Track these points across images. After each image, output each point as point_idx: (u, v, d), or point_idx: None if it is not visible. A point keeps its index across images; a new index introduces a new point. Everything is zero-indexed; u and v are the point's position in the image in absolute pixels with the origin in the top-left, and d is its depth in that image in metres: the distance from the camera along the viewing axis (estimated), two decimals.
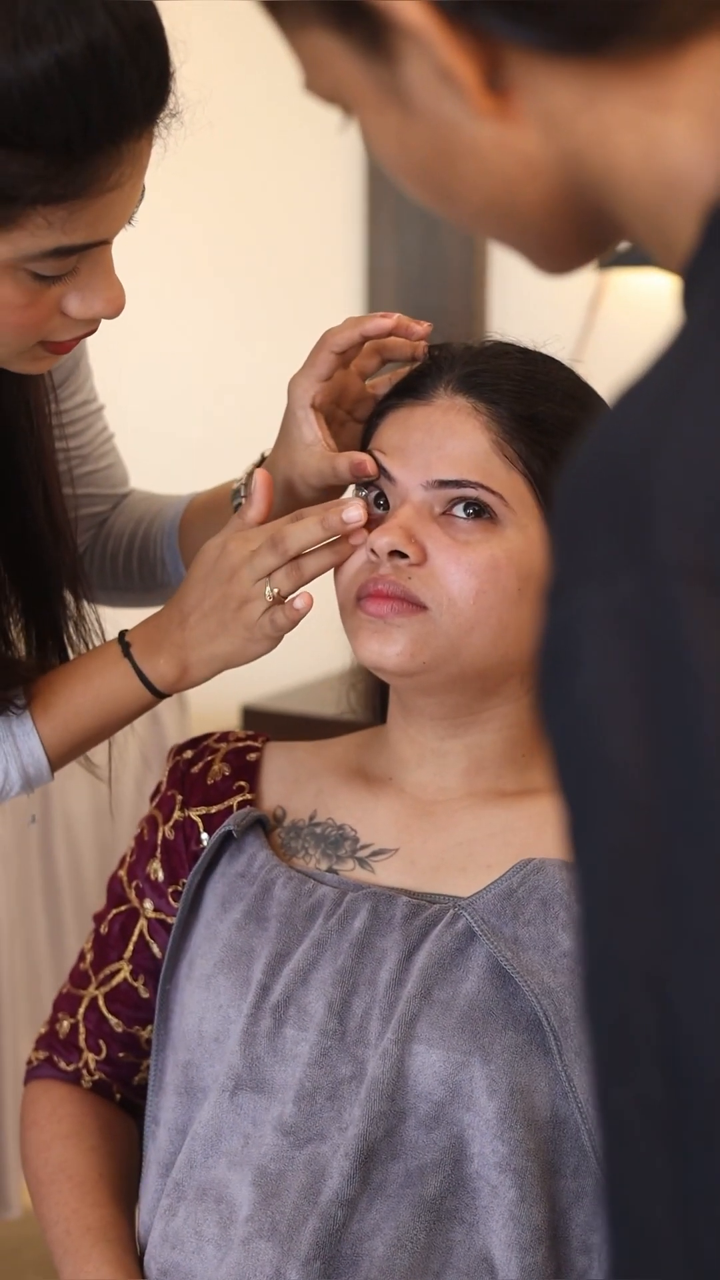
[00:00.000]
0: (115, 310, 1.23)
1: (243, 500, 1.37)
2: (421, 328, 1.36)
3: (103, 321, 1.27)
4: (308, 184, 3.12)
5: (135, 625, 1.39)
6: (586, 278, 2.85)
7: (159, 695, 1.38)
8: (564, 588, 0.60)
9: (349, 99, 0.73)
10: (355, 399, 1.40)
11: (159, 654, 1.36)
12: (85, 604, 1.47)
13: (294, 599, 1.30)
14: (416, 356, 1.36)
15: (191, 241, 3.09)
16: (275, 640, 1.33)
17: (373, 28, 0.67)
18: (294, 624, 1.32)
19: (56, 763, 1.38)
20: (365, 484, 1.33)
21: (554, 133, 0.68)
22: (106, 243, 1.20)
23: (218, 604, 1.32)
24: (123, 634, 1.39)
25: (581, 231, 0.72)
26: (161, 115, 1.17)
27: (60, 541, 1.43)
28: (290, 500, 1.37)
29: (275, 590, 1.30)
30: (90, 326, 1.26)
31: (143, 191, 1.20)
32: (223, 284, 3.20)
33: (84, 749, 1.41)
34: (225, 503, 1.48)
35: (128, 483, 1.64)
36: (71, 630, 1.46)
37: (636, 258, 2.78)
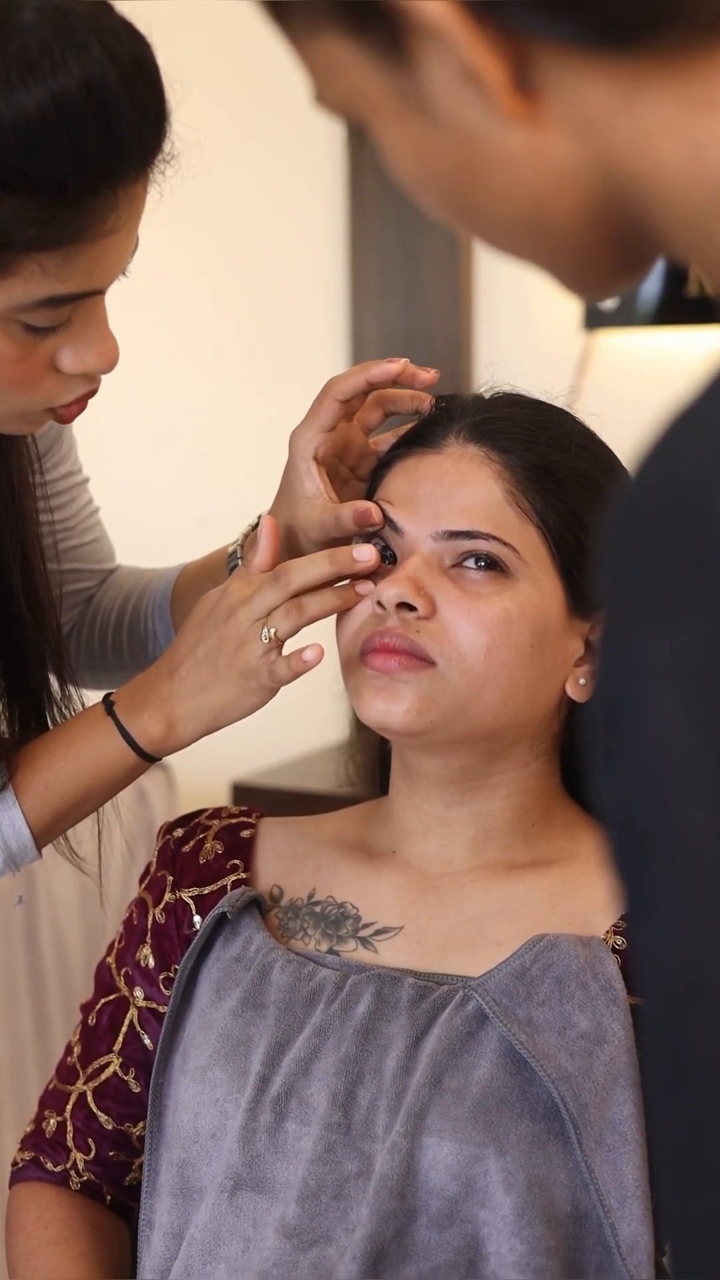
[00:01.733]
0: (109, 364, 1.20)
1: (240, 561, 1.32)
2: (429, 374, 1.32)
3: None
4: (289, 251, 3.10)
5: (121, 687, 1.34)
6: (573, 340, 2.83)
7: (146, 758, 1.32)
8: (622, 634, 0.54)
9: (363, 110, 0.68)
10: (358, 455, 1.36)
11: (144, 710, 1.30)
12: (69, 685, 1.41)
13: (303, 650, 1.24)
14: (420, 410, 1.33)
15: (169, 312, 3.06)
16: (271, 692, 1.27)
17: (390, 29, 0.63)
18: (297, 675, 1.26)
19: (40, 836, 1.32)
20: (370, 536, 1.27)
21: (588, 138, 0.63)
22: (100, 292, 1.17)
23: (213, 648, 1.26)
24: (108, 695, 1.33)
25: (618, 247, 0.67)
26: (158, 158, 1.14)
27: (41, 620, 1.38)
28: (290, 555, 1.32)
29: (273, 632, 1.24)
30: (90, 385, 1.22)
31: (136, 241, 1.17)
32: (202, 355, 3.17)
33: (69, 821, 1.35)
34: (220, 569, 1.43)
35: (114, 558, 1.59)
36: (56, 712, 1.40)
37: (624, 318, 2.75)
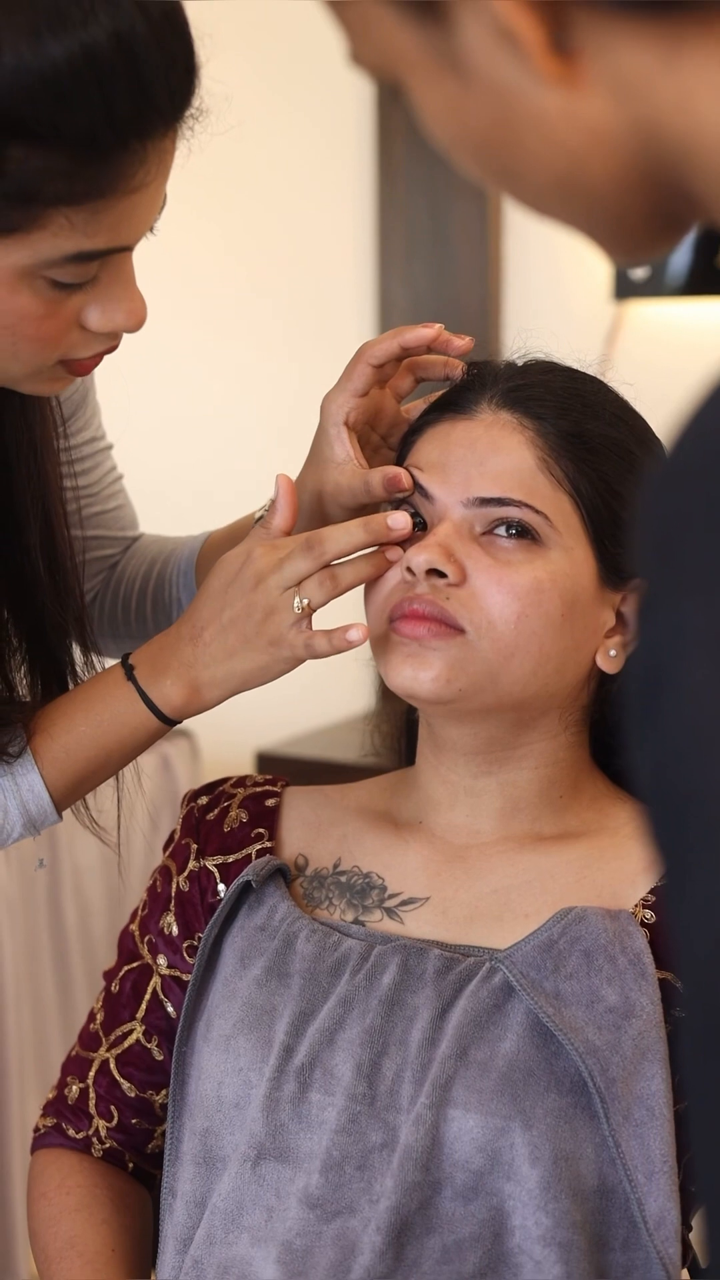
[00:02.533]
0: (137, 323, 1.18)
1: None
2: (463, 341, 1.30)
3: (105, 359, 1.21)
4: (316, 215, 3.08)
5: (138, 649, 1.32)
6: (603, 309, 2.80)
7: (167, 722, 1.30)
8: (659, 603, 0.53)
9: (399, 70, 0.67)
10: (390, 423, 1.35)
11: (165, 675, 1.28)
12: (92, 652, 1.40)
13: (348, 630, 1.22)
14: (452, 376, 1.31)
15: (193, 276, 3.05)
16: (299, 662, 1.26)
17: None
18: (338, 652, 1.24)
19: (60, 799, 1.31)
20: (399, 503, 1.26)
21: (627, 100, 0.62)
22: (128, 249, 1.16)
23: (240, 615, 1.25)
24: (126, 656, 1.31)
25: (656, 211, 0.66)
26: (187, 112, 1.12)
27: (63, 585, 1.36)
28: (318, 522, 1.31)
29: (306, 602, 1.23)
30: (110, 341, 1.20)
31: (164, 199, 1.16)
32: (226, 319, 3.15)
33: (89, 784, 1.33)
34: (244, 536, 1.40)
35: (137, 526, 1.58)
36: (77, 678, 1.39)
37: (654, 288, 2.73)
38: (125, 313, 1.17)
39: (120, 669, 1.31)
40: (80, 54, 1.04)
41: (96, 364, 1.22)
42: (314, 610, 1.23)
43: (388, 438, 1.35)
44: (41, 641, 1.37)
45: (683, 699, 0.51)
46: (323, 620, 1.25)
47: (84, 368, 1.21)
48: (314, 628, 1.24)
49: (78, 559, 1.39)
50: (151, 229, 1.16)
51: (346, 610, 1.28)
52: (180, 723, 1.31)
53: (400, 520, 1.22)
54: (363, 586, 1.25)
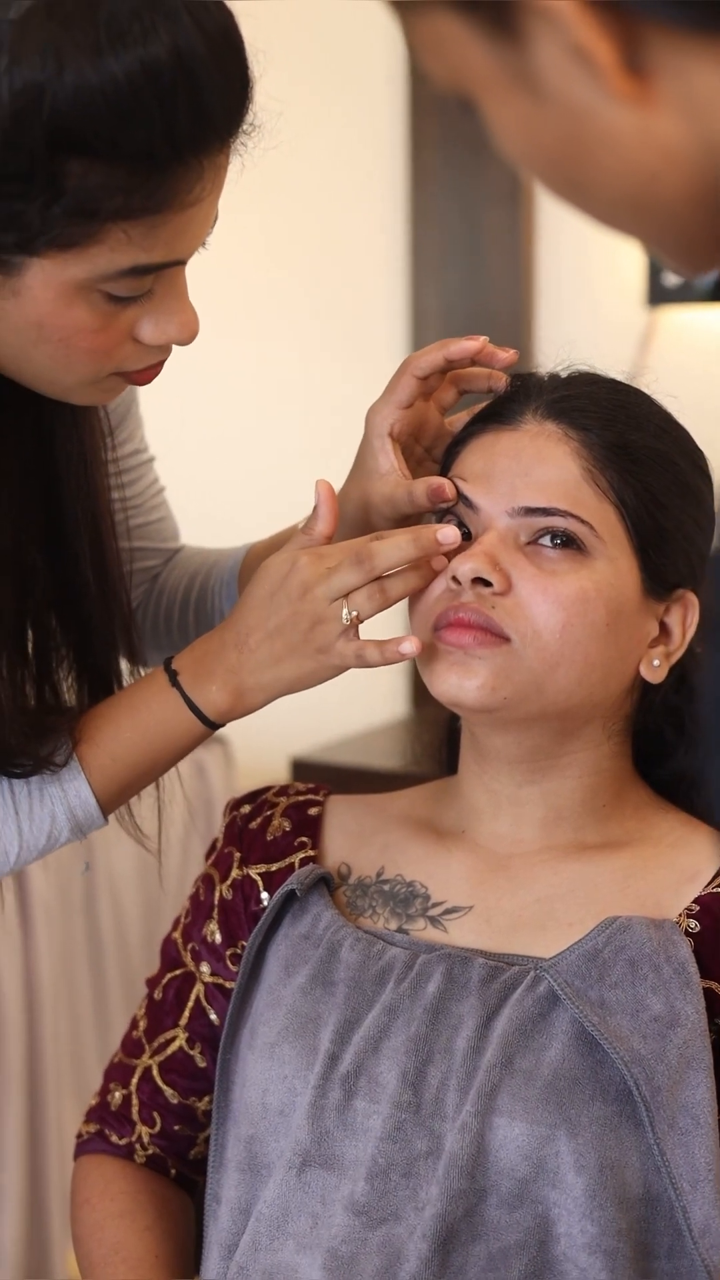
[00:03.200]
0: (189, 335, 1.19)
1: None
2: (508, 354, 1.31)
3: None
4: (350, 224, 3.09)
5: (180, 653, 1.32)
6: (636, 316, 2.80)
7: (211, 725, 1.31)
8: None
9: (471, 86, 0.68)
10: (433, 435, 1.35)
11: (210, 680, 1.29)
12: (138, 662, 1.41)
13: (400, 642, 1.23)
14: (495, 388, 1.31)
15: (228, 285, 3.05)
16: (346, 669, 1.26)
17: (501, 6, 0.63)
18: (389, 664, 1.24)
19: (106, 803, 1.31)
20: (443, 513, 1.26)
21: (699, 119, 0.63)
22: (182, 263, 1.17)
23: (285, 623, 1.25)
24: (169, 661, 1.32)
25: None
26: (242, 128, 1.14)
27: (110, 594, 1.37)
28: (361, 533, 1.31)
29: (354, 614, 1.23)
30: (162, 354, 1.21)
31: (216, 213, 1.17)
32: (261, 330, 3.16)
33: (135, 788, 1.34)
34: None
35: (179, 538, 1.59)
36: (121, 687, 1.39)
37: (687, 294, 2.73)
38: (178, 325, 1.18)
39: (163, 674, 1.31)
40: (140, 71, 1.04)
41: (156, 373, 1.23)
42: (362, 621, 1.24)
43: (431, 450, 1.35)
44: (89, 651, 1.37)
45: None
46: (365, 627, 1.25)
47: (144, 377, 1.22)
48: (361, 636, 1.25)
49: (125, 569, 1.40)
50: (204, 243, 1.17)
51: (388, 617, 1.28)
52: (223, 726, 1.32)
53: (450, 534, 1.22)
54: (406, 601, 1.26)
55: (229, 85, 1.10)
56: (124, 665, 1.41)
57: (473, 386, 1.34)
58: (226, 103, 1.10)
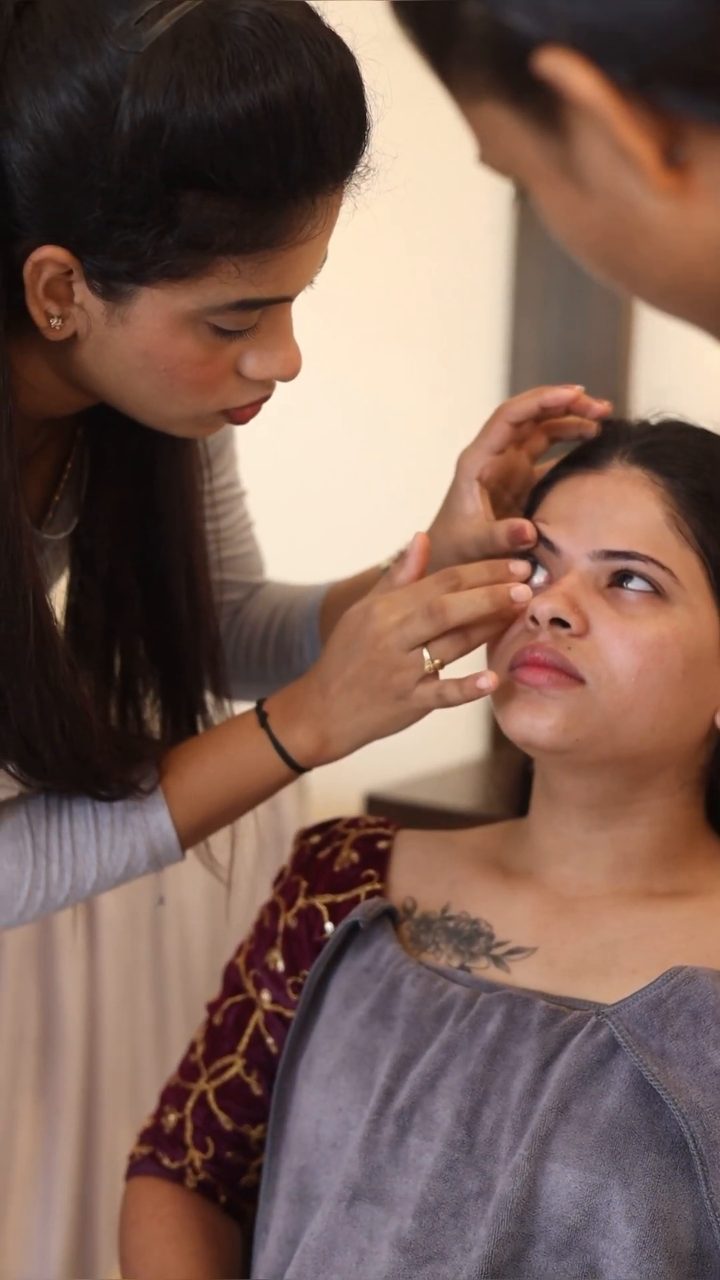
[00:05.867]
0: (292, 372, 1.20)
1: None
2: (601, 406, 1.31)
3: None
4: (452, 264, 3.09)
5: (272, 695, 1.33)
6: None
7: (297, 769, 1.31)
8: None
9: (523, 173, 0.71)
10: (522, 484, 1.35)
11: (297, 725, 1.29)
12: (223, 695, 1.41)
13: (477, 678, 1.22)
14: (584, 437, 1.31)
15: (330, 321, 3.06)
16: (429, 711, 1.26)
17: (547, 102, 0.65)
18: (468, 701, 1.24)
19: (186, 837, 1.32)
20: (523, 554, 1.26)
21: None
22: (290, 299, 1.18)
23: (362, 673, 1.25)
24: (260, 703, 1.32)
25: None
26: (356, 169, 1.15)
27: (202, 626, 1.38)
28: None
29: (436, 660, 1.23)
30: (265, 390, 1.22)
31: (326, 253, 1.18)
32: (360, 365, 3.17)
33: (215, 826, 1.35)
34: (369, 587, 1.41)
35: (264, 572, 1.59)
36: (206, 719, 1.41)
37: None
38: (281, 362, 1.19)
39: (253, 715, 1.32)
40: (260, 107, 1.06)
41: (256, 412, 1.23)
42: (443, 666, 1.24)
43: (519, 498, 1.35)
44: (175, 680, 1.38)
45: None
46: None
47: (244, 416, 1.23)
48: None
49: (216, 600, 1.41)
50: (312, 281, 1.18)
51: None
52: (309, 770, 1.32)
53: (523, 593, 1.21)
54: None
55: (347, 126, 1.11)
56: (208, 698, 1.41)
57: (564, 435, 1.34)
58: (343, 144, 1.12)
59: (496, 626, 1.24)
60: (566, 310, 2.94)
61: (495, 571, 1.23)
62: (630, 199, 0.66)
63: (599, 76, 0.62)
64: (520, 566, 1.23)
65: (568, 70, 0.63)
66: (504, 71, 0.66)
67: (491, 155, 0.72)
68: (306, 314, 1.21)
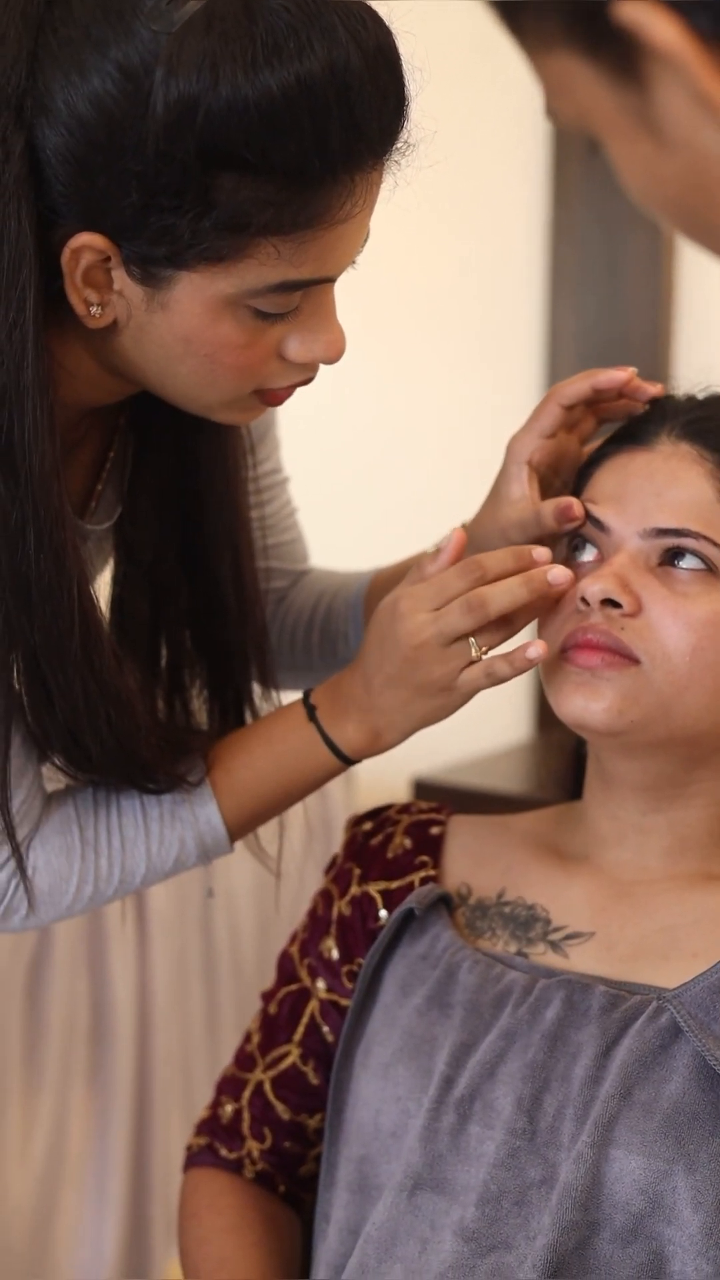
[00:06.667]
0: (335, 354, 1.19)
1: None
2: (654, 388, 1.29)
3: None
4: (487, 245, 3.07)
5: (317, 688, 1.32)
6: None
7: (347, 761, 1.30)
8: None
9: (596, 126, 0.69)
10: (571, 468, 1.33)
11: (347, 718, 1.28)
12: (270, 684, 1.40)
13: (526, 648, 1.20)
14: (631, 412, 1.30)
15: (365, 303, 3.05)
16: (478, 692, 1.24)
17: (625, 52, 0.64)
18: (519, 674, 1.22)
19: (235, 830, 1.31)
20: (572, 534, 1.25)
21: None
22: (331, 280, 1.16)
23: (402, 670, 1.23)
24: (307, 694, 1.31)
25: None
26: (395, 146, 1.13)
27: (248, 614, 1.37)
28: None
29: (483, 648, 1.21)
30: (307, 373, 1.20)
31: (367, 232, 1.16)
32: (397, 350, 3.15)
33: (264, 818, 1.34)
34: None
35: (308, 560, 1.58)
36: (254, 709, 1.39)
37: None
38: (324, 344, 1.17)
39: (301, 708, 1.30)
40: (295, 85, 1.04)
41: (290, 395, 1.22)
42: (488, 651, 1.22)
43: (569, 484, 1.33)
44: (222, 670, 1.37)
45: None
46: None
47: (278, 398, 1.21)
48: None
49: (261, 588, 1.39)
50: (354, 261, 1.17)
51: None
52: (359, 762, 1.31)
53: (560, 575, 1.19)
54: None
55: (384, 102, 1.09)
56: (255, 688, 1.40)
57: (612, 416, 1.32)
58: (381, 119, 1.10)
59: (537, 613, 1.22)
60: (605, 290, 2.92)
61: (520, 559, 1.21)
62: (711, 152, 0.65)
63: (681, 25, 0.61)
64: (542, 553, 1.21)
65: (649, 19, 0.61)
66: (580, 21, 0.65)
67: (562, 107, 0.70)
68: (341, 299, 1.20)
